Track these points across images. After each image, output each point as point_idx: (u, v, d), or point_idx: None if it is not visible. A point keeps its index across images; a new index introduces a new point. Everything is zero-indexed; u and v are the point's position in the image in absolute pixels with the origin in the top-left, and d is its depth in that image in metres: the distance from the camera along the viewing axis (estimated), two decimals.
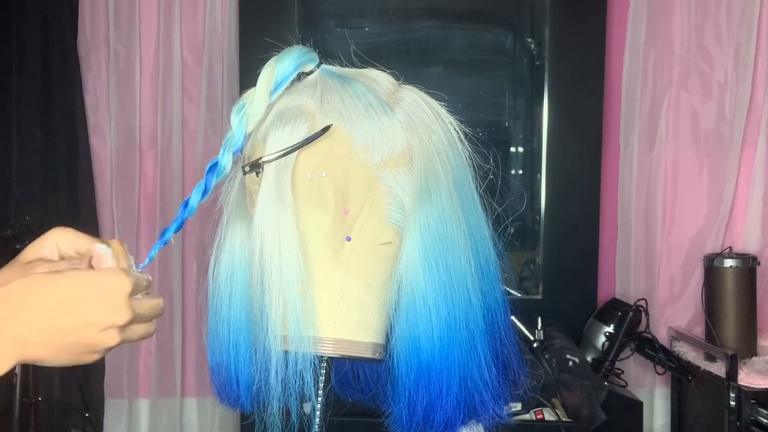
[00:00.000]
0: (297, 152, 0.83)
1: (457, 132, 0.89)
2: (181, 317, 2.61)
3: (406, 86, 0.91)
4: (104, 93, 2.60)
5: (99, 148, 2.61)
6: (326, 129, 0.83)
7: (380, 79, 0.90)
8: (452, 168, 0.86)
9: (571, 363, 2.17)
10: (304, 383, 0.82)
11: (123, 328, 0.68)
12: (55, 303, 0.66)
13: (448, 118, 0.89)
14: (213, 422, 2.66)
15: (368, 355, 0.87)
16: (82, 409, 2.53)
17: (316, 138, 0.83)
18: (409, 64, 2.57)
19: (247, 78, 2.42)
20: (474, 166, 0.89)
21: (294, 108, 0.85)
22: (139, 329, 0.71)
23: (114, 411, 2.62)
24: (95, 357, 0.69)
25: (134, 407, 2.64)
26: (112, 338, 0.68)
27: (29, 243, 0.78)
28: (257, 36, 2.45)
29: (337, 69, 0.90)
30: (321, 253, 0.85)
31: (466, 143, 0.88)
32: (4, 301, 0.65)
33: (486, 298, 0.87)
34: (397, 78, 0.92)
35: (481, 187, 0.88)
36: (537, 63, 2.69)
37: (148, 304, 0.71)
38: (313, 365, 0.84)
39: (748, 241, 2.63)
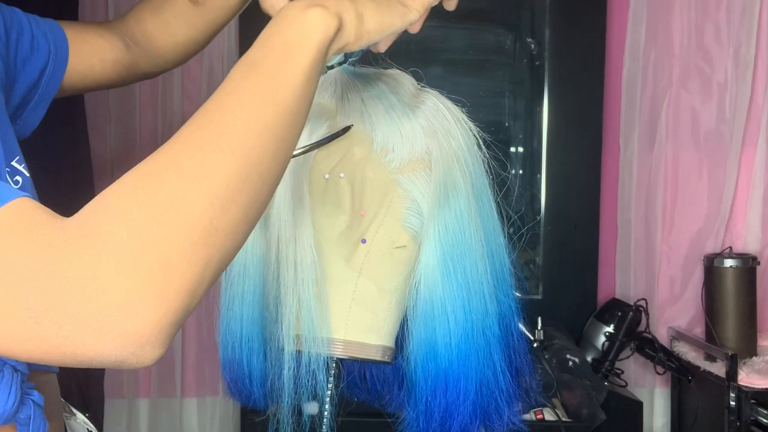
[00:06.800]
0: (315, 151, 0.83)
1: (477, 138, 0.88)
2: None
3: (428, 90, 0.91)
4: (104, 93, 2.58)
5: (99, 148, 2.60)
6: (346, 129, 0.82)
7: (403, 80, 0.90)
8: (471, 174, 0.86)
9: (571, 363, 2.18)
10: (316, 382, 0.82)
11: None
12: None
13: (468, 124, 0.88)
14: (213, 422, 2.65)
15: (378, 357, 0.87)
16: (82, 409, 2.52)
17: (335, 138, 0.82)
18: (409, 64, 2.55)
19: None
20: (492, 173, 0.89)
21: (314, 106, 0.85)
22: None
23: (114, 411, 2.61)
24: (414, 9, 0.76)
25: (134, 407, 2.63)
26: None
27: None
28: (257, 36, 2.44)
29: (358, 68, 0.90)
30: (335, 254, 0.84)
31: (484, 149, 0.88)
32: None
33: (501, 306, 0.87)
34: (418, 79, 0.91)
35: (498, 194, 0.88)
36: (537, 63, 2.69)
37: None
38: (326, 365, 0.84)
39: (748, 241, 2.63)
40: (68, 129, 2.59)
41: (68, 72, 1.01)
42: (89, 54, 1.04)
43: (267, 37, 0.67)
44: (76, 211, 0.62)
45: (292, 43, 0.66)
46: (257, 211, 0.62)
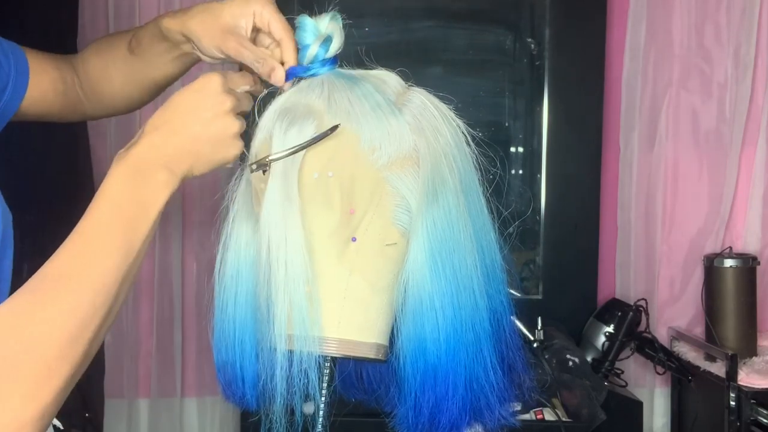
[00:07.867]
0: (304, 152, 0.83)
1: (465, 135, 0.89)
2: (181, 317, 2.61)
3: (415, 88, 0.91)
4: None
5: (99, 148, 2.60)
6: (334, 129, 0.83)
7: (389, 79, 0.90)
8: (459, 170, 0.86)
9: (571, 363, 2.17)
10: (308, 382, 0.82)
11: (233, 110, 0.83)
12: (174, 115, 0.82)
13: (456, 121, 0.89)
14: (213, 422, 2.66)
15: (372, 355, 0.87)
16: (82, 409, 2.52)
17: (323, 137, 0.83)
18: (409, 64, 2.54)
19: None
20: (481, 169, 0.89)
21: (301, 107, 0.85)
22: (247, 99, 0.88)
23: (114, 411, 2.61)
24: (235, 145, 0.84)
25: (134, 407, 2.63)
26: (231, 121, 0.83)
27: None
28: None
29: (343, 70, 0.90)
30: (326, 253, 0.84)
31: (473, 146, 0.89)
32: (149, 135, 0.81)
33: (492, 301, 0.87)
34: (406, 78, 0.92)
35: (488, 190, 0.88)
36: (537, 63, 2.69)
37: (237, 77, 0.87)
38: (317, 364, 0.84)
39: (748, 241, 2.63)
40: (68, 130, 2.59)
41: (25, 97, 1.03)
42: (45, 82, 1.06)
43: (121, 192, 0.77)
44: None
45: (146, 202, 0.78)
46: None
